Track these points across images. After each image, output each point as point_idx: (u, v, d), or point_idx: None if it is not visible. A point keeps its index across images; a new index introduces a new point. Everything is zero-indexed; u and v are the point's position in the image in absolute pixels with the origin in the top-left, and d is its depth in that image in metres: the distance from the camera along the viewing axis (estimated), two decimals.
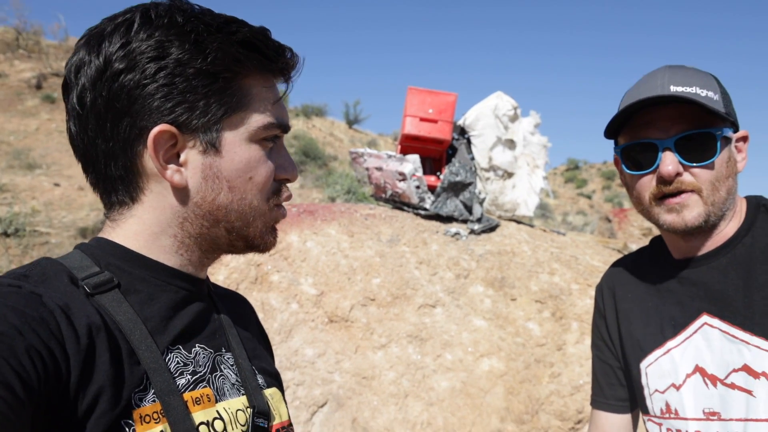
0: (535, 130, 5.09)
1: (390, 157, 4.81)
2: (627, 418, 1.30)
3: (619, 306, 1.28)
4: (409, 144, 4.88)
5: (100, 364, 0.64)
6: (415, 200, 4.77)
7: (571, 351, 3.67)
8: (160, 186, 0.76)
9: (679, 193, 1.05)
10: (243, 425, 0.78)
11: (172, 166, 0.75)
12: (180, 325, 0.77)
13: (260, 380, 0.88)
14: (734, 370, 1.04)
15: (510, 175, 5.00)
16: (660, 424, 1.18)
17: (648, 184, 1.09)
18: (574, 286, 4.03)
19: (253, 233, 0.82)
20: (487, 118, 4.95)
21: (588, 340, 3.72)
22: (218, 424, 0.75)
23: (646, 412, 1.22)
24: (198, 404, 0.73)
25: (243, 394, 0.82)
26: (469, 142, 5.14)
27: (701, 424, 1.09)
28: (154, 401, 0.68)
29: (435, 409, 3.58)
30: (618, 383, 1.29)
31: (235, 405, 0.79)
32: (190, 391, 0.74)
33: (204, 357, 0.79)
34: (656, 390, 1.17)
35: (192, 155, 0.75)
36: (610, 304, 1.30)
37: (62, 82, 0.77)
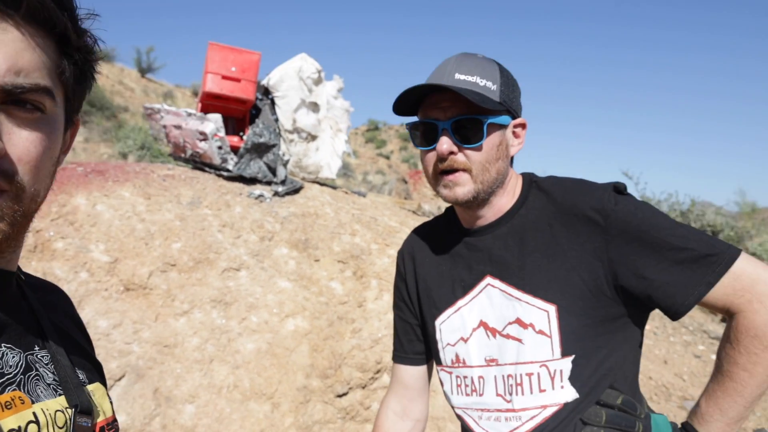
0: (338, 95, 5.20)
1: (190, 115, 4.58)
2: (423, 369, 1.45)
3: (418, 270, 1.40)
4: (210, 102, 4.69)
5: None
6: (217, 161, 4.63)
7: (371, 307, 3.91)
8: None
9: (453, 171, 1.19)
10: (62, 427, 0.73)
11: None
12: None
13: (81, 376, 0.82)
14: (509, 323, 1.20)
15: (314, 137, 5.07)
16: (450, 373, 1.33)
17: (432, 159, 1.21)
18: (373, 246, 4.28)
19: None
20: (292, 79, 4.94)
21: (387, 297, 4.00)
22: (32, 428, 0.69)
23: (439, 363, 1.36)
24: (8, 409, 0.67)
25: (61, 394, 0.76)
26: (273, 103, 5.09)
27: (483, 370, 1.25)
28: None
29: (241, 372, 3.60)
30: (416, 339, 1.42)
31: (53, 406, 0.73)
32: None
33: (13, 357, 0.72)
34: (448, 343, 1.31)
35: None
36: (410, 269, 1.42)
37: None
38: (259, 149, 4.67)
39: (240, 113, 4.94)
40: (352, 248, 4.22)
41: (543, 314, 1.16)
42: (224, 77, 4.55)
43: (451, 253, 1.33)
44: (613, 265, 1.11)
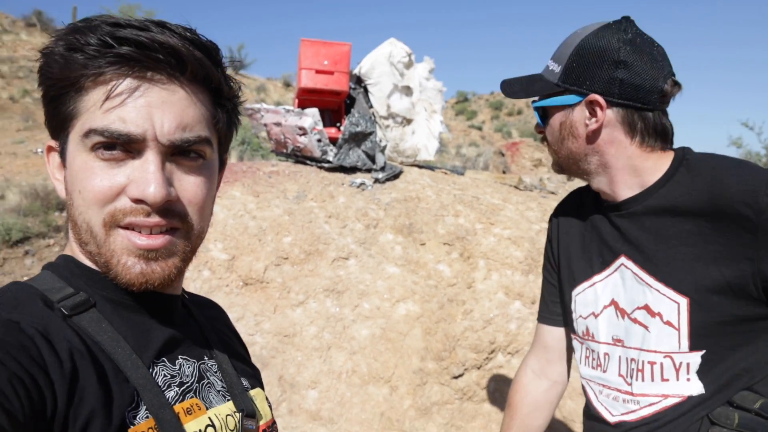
0: (430, 76, 5.17)
1: (288, 111, 4.73)
2: (564, 331, 1.47)
3: (562, 238, 1.43)
4: (306, 97, 4.82)
5: (88, 387, 0.64)
6: (317, 154, 4.76)
7: (480, 288, 3.90)
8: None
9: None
10: (233, 430, 0.81)
11: (58, 179, 0.77)
12: (161, 339, 0.77)
13: (244, 382, 0.90)
14: (638, 308, 1.18)
15: (409, 121, 5.08)
16: (581, 343, 1.35)
17: None
18: (478, 226, 4.25)
19: (104, 261, 0.73)
20: (383, 66, 4.96)
21: (495, 276, 3.97)
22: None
23: (573, 332, 1.39)
24: (189, 414, 0.75)
25: (229, 400, 0.84)
26: (366, 90, 5.14)
27: (609, 348, 1.26)
28: (147, 417, 0.69)
29: (358, 357, 3.72)
30: (560, 301, 1.45)
31: (224, 411, 0.82)
32: (179, 402, 0.75)
33: (189, 367, 0.80)
34: (580, 315, 1.34)
35: (65, 170, 0.75)
36: (555, 235, 1.46)
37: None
38: (357, 138, 4.75)
39: (335, 104, 5.03)
40: (456, 229, 4.22)
41: (673, 305, 1.12)
42: (318, 71, 4.65)
43: (592, 225, 1.33)
44: (763, 266, 1.03)
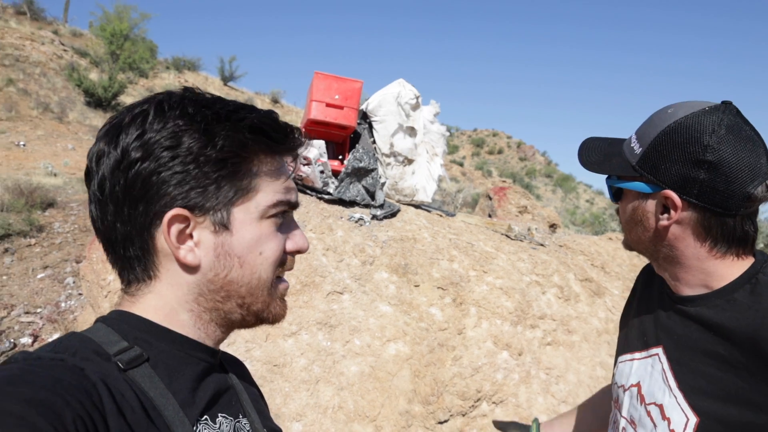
0: (435, 119, 5.29)
1: None
2: None
3: (635, 301, 1.43)
4: (314, 128, 4.89)
5: None
6: (318, 184, 4.82)
7: (470, 335, 3.97)
8: (175, 265, 0.81)
9: None
10: None
11: (185, 246, 0.80)
12: (206, 397, 0.82)
13: None
14: (654, 403, 1.19)
15: (410, 161, 5.18)
16: (612, 408, 1.41)
17: None
18: (471, 273, 4.33)
19: (261, 307, 0.86)
20: (390, 105, 5.07)
21: (485, 325, 4.05)
22: None
23: (612, 392, 1.44)
24: None
25: None
26: (371, 126, 5.24)
27: (626, 425, 1.30)
28: None
29: (345, 393, 3.74)
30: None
31: None
32: None
33: (227, 426, 0.84)
34: (616, 383, 1.37)
35: (204, 235, 0.81)
36: (637, 293, 1.44)
37: (85, 170, 0.82)
38: (359, 173, 4.83)
39: (341, 138, 5.11)
40: (450, 274, 4.30)
41: (683, 419, 1.12)
42: (328, 105, 4.73)
43: (654, 300, 1.31)
44: None
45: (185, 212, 0.78)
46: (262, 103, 26.43)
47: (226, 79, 26.96)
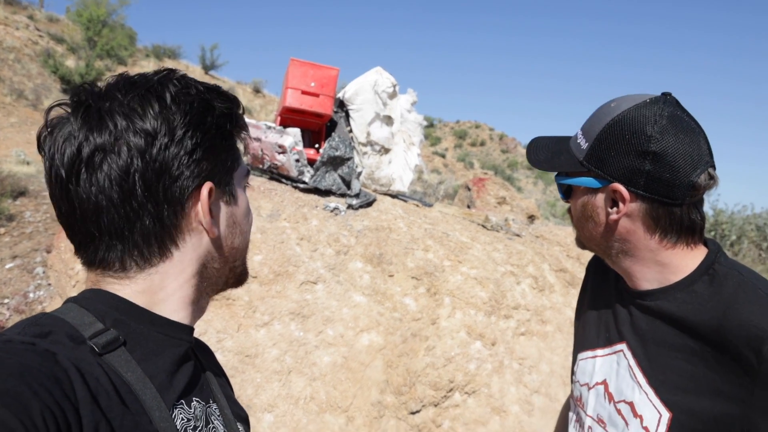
0: (412, 108, 5.25)
1: (269, 128, 4.72)
2: None
3: (588, 294, 1.41)
4: (289, 116, 4.82)
5: (116, 428, 0.65)
6: (294, 173, 4.76)
7: (444, 325, 3.96)
8: (194, 239, 0.82)
9: None
10: None
11: (212, 219, 0.83)
12: (183, 381, 0.80)
13: (241, 429, 0.93)
14: (624, 401, 1.17)
15: (387, 150, 5.14)
16: (575, 407, 1.37)
17: None
18: (446, 263, 4.32)
19: (242, 269, 0.93)
20: (367, 93, 5.02)
21: (459, 315, 4.04)
22: None
23: (572, 390, 1.40)
24: None
25: None
26: (347, 115, 5.19)
27: (593, 423, 1.27)
28: None
29: (318, 384, 3.71)
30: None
31: None
32: None
33: (200, 411, 0.82)
34: (578, 381, 1.34)
35: (221, 206, 0.86)
36: (589, 288, 1.42)
37: (77, 154, 0.75)
38: (335, 162, 4.78)
39: (316, 126, 5.06)
40: (425, 264, 4.27)
41: (656, 415, 1.10)
42: (304, 92, 4.67)
43: (611, 295, 1.29)
44: (753, 414, 0.99)
45: (213, 186, 0.82)
46: (244, 93, 26.17)
47: (207, 68, 26.63)
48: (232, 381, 3.52)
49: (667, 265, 1.12)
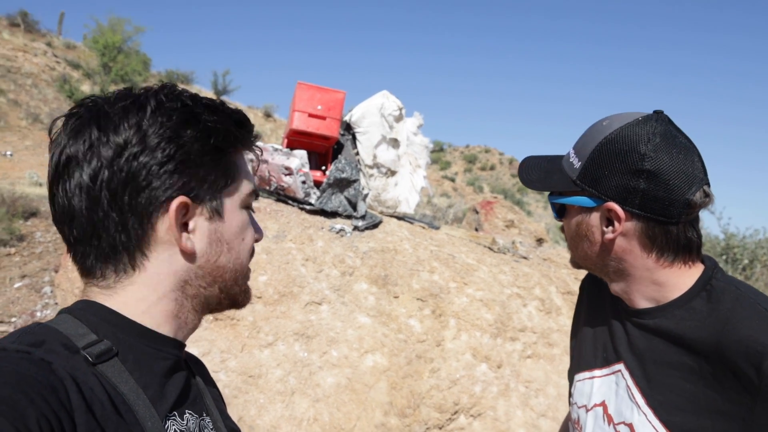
0: (418, 131, 5.29)
1: (276, 150, 4.77)
2: None
3: (583, 314, 1.38)
4: (296, 138, 4.88)
5: None
6: (300, 195, 4.79)
7: (449, 347, 3.93)
8: (166, 253, 0.81)
9: None
10: None
11: (184, 234, 0.81)
12: (174, 393, 0.80)
13: None
14: (623, 423, 1.14)
15: (393, 173, 5.17)
16: (573, 428, 1.34)
17: None
18: (452, 285, 4.30)
19: (238, 290, 0.91)
20: (373, 116, 5.07)
21: (464, 337, 4.02)
22: None
23: (569, 412, 1.38)
24: None
25: None
26: (354, 138, 5.23)
27: None
28: None
29: (321, 405, 3.69)
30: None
31: None
32: None
33: (193, 423, 0.82)
34: (576, 403, 1.32)
35: (200, 222, 0.84)
36: (584, 306, 1.40)
37: (62, 161, 0.78)
38: (341, 184, 4.81)
39: (323, 149, 5.10)
40: (431, 286, 4.26)
41: None
42: (311, 115, 4.73)
43: (608, 315, 1.27)
44: (753, 430, 0.97)
45: (187, 200, 0.80)
46: (255, 117, 26.46)
47: (219, 93, 27.02)
48: (235, 401, 3.51)
49: (664, 283, 1.11)
